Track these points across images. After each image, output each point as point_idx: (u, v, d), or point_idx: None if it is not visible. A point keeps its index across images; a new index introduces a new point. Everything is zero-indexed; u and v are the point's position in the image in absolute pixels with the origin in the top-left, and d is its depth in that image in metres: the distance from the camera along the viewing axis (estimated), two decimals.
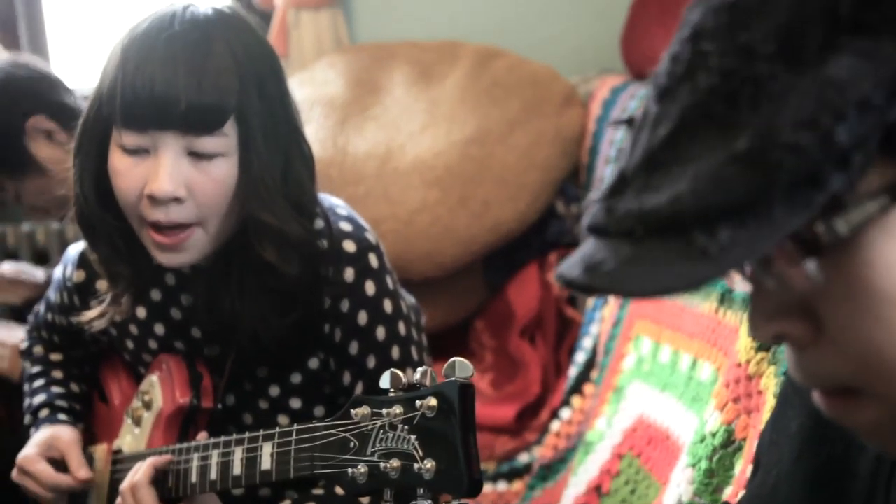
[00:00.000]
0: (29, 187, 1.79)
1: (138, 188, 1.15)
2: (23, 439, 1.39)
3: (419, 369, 0.82)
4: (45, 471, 1.31)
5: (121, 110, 1.13)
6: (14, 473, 1.33)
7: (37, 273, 1.98)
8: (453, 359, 0.80)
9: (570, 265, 0.51)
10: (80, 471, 1.32)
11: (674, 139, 0.48)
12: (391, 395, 0.83)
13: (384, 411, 0.83)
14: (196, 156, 1.14)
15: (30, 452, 1.33)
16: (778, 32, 0.46)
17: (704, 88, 0.48)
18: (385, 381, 0.84)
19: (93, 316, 1.30)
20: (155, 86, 1.11)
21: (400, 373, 0.83)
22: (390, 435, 0.82)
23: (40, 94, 1.79)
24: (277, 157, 1.18)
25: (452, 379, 0.80)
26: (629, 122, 0.53)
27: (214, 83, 1.12)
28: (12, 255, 2.53)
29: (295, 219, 1.18)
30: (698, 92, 0.48)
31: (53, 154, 1.76)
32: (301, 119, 1.24)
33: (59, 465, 1.33)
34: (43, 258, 2.46)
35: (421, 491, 0.80)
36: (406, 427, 0.81)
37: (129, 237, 1.21)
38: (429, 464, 0.78)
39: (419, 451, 0.79)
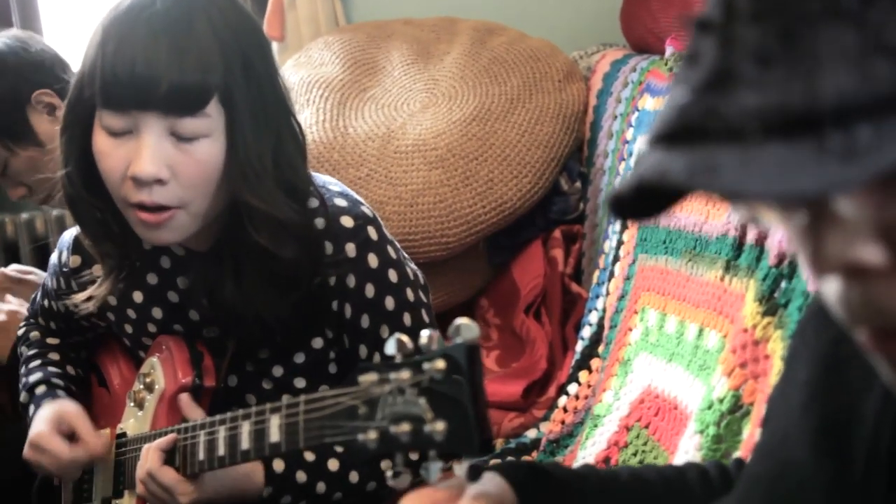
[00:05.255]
0: (21, 159, 1.78)
1: (122, 169, 1.14)
2: (25, 426, 1.39)
3: (424, 333, 0.82)
4: (61, 447, 1.30)
5: (101, 91, 1.12)
6: (27, 451, 1.32)
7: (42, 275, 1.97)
8: (457, 320, 0.80)
9: (656, 173, 0.46)
10: (95, 441, 1.31)
11: (790, 34, 0.44)
12: (398, 360, 0.83)
13: (391, 376, 0.82)
14: (179, 137, 1.13)
15: (42, 429, 1.31)
16: None
17: None
18: (391, 347, 0.83)
19: (82, 298, 1.30)
20: (135, 66, 1.09)
21: (405, 338, 0.83)
22: (399, 399, 0.81)
23: (48, 69, 1.79)
24: (267, 138, 1.16)
25: (459, 340, 0.79)
26: (700, 24, 0.49)
27: (196, 63, 1.10)
28: (11, 244, 2.52)
29: (286, 202, 1.17)
30: None
31: (53, 130, 1.75)
32: (291, 98, 1.22)
33: (70, 439, 1.33)
34: (42, 246, 2.45)
35: (432, 452, 0.79)
36: (414, 390, 0.80)
37: (119, 217, 1.21)
38: (439, 425, 0.77)
39: (429, 413, 0.79)
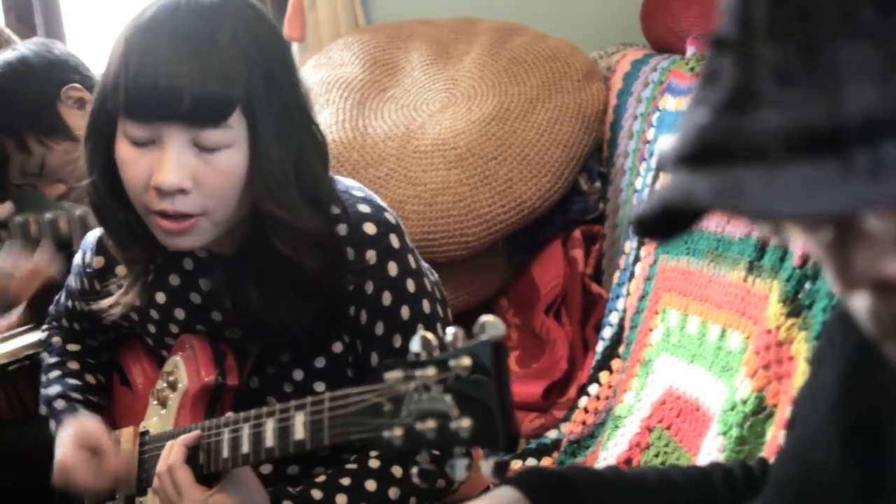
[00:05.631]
0: (56, 153, 1.81)
1: (144, 178, 1.14)
2: (37, 428, 1.40)
3: (450, 330, 0.81)
4: (85, 472, 1.30)
5: (125, 103, 1.12)
6: (56, 476, 1.32)
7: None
8: (483, 318, 0.79)
9: (680, 195, 0.45)
10: (116, 459, 1.31)
11: (810, 50, 0.44)
12: (423, 357, 0.83)
13: (417, 373, 0.82)
14: (201, 147, 1.13)
15: (66, 453, 1.31)
16: None
17: None
18: (416, 345, 0.83)
19: (109, 304, 1.31)
20: (158, 78, 1.09)
21: (430, 335, 0.83)
22: (424, 396, 0.81)
23: (73, 66, 1.84)
24: (289, 149, 1.16)
25: (484, 338, 0.79)
26: (717, 42, 0.48)
27: (219, 75, 1.10)
28: (35, 244, 2.54)
29: (308, 212, 1.16)
30: (838, 1, 0.44)
31: (83, 124, 1.78)
32: (312, 105, 1.22)
33: (93, 453, 1.33)
34: (66, 246, 2.46)
35: (458, 450, 0.79)
36: (440, 387, 0.80)
37: (143, 222, 1.21)
38: (465, 422, 0.77)
39: (455, 410, 0.79)
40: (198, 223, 1.16)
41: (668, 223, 0.47)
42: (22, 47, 1.85)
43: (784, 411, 1.14)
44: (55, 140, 1.80)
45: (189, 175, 1.13)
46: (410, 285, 1.25)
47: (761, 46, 0.45)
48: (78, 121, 1.78)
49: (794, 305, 1.18)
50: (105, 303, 1.31)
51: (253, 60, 1.13)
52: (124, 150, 1.15)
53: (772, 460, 0.95)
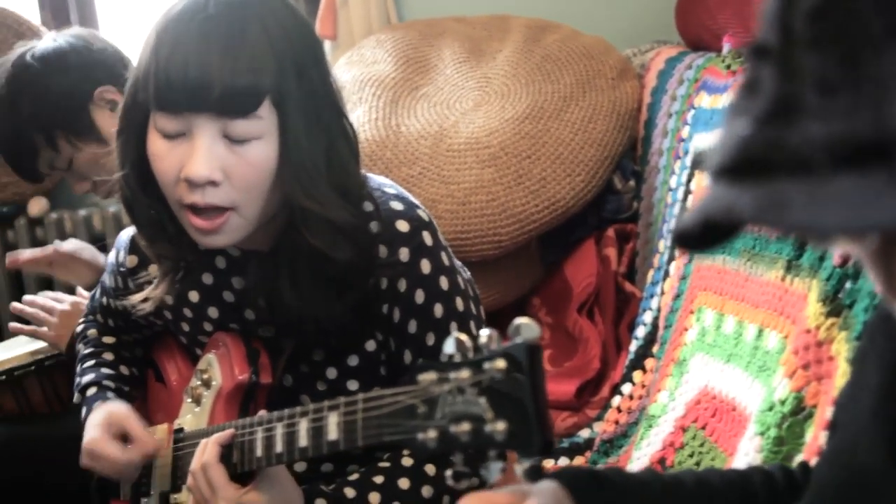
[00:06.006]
0: (84, 155, 1.81)
1: (175, 171, 1.15)
2: (74, 421, 1.41)
3: (484, 332, 0.81)
4: (115, 451, 1.31)
5: (155, 94, 1.13)
6: (84, 459, 1.34)
7: (99, 257, 1.99)
8: (517, 320, 0.79)
9: (722, 209, 0.45)
10: (147, 440, 1.32)
11: (853, 59, 0.43)
12: (457, 359, 0.82)
13: (451, 375, 0.81)
14: (231, 139, 1.13)
15: (95, 435, 1.32)
16: None
17: (889, 3, 0.43)
18: (450, 346, 0.83)
19: (139, 299, 1.31)
20: (188, 69, 1.10)
21: (464, 337, 0.82)
22: (459, 398, 0.81)
23: (112, 66, 1.81)
24: (319, 141, 1.16)
25: (519, 340, 0.78)
26: (756, 50, 0.47)
27: (249, 66, 1.11)
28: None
29: (340, 204, 1.17)
30: (881, 7, 0.43)
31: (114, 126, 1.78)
32: (343, 100, 1.22)
33: (123, 440, 1.34)
34: (99, 243, 2.48)
35: (492, 452, 0.78)
36: (475, 390, 0.80)
37: (175, 218, 1.21)
38: (500, 425, 0.77)
39: (489, 412, 0.78)
40: (229, 220, 1.16)
41: (708, 236, 0.47)
42: (61, 39, 1.83)
43: (824, 412, 1.13)
44: (84, 141, 1.79)
45: (219, 167, 1.13)
46: (444, 283, 1.24)
47: (802, 55, 0.45)
48: (108, 122, 1.78)
49: (835, 305, 1.17)
50: (135, 298, 1.32)
51: (283, 53, 1.13)
52: (155, 143, 1.16)
53: (813, 462, 0.94)
